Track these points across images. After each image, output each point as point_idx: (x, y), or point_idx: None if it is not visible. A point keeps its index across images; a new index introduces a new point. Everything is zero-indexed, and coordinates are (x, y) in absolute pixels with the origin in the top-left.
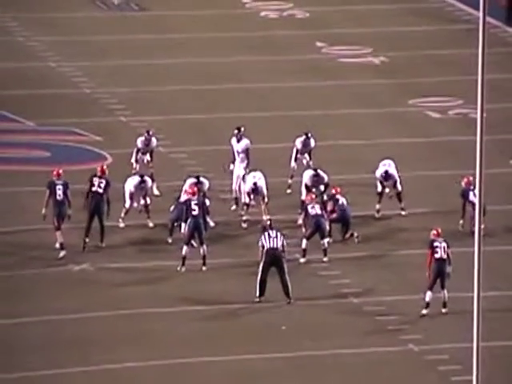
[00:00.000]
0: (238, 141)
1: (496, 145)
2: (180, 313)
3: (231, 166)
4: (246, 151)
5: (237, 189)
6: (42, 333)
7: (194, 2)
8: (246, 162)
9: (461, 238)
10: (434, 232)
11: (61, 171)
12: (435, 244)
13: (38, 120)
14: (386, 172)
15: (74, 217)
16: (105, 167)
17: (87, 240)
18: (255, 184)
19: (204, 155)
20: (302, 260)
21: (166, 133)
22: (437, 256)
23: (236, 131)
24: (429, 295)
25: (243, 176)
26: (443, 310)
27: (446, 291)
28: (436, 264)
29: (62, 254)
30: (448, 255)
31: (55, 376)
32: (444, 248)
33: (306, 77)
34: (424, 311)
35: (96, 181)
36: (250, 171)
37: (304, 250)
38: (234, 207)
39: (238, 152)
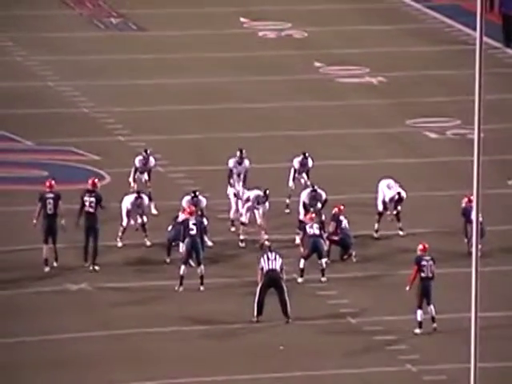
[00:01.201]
0: (240, 163)
1: (494, 165)
2: (177, 332)
3: (229, 190)
4: (245, 173)
5: (235, 208)
6: (39, 352)
7: (192, 22)
8: (242, 183)
9: (458, 258)
10: (421, 247)
11: (53, 182)
12: (422, 262)
13: (36, 139)
14: (399, 194)
15: (70, 236)
16: (96, 180)
17: (87, 263)
18: (258, 196)
19: (201, 175)
20: (300, 280)
21: (163, 152)
22: (423, 275)
23: (238, 153)
24: (420, 314)
25: (240, 194)
26: (433, 326)
27: (432, 307)
28: (422, 283)
29: (46, 269)
30: (433, 274)
31: None
32: (430, 266)
33: (304, 97)
34: (417, 330)
35: (87, 200)
36: (249, 189)
37: (302, 270)
38: (233, 229)
39: (238, 175)
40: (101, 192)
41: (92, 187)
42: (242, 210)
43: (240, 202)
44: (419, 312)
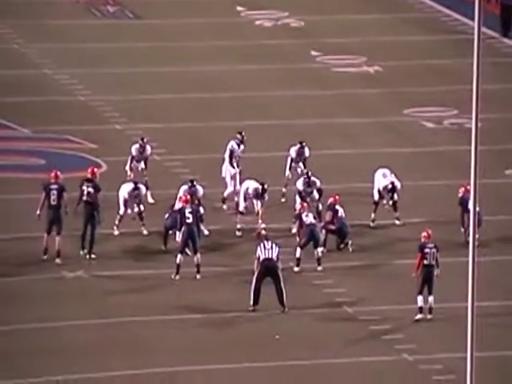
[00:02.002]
0: (239, 145)
1: (491, 155)
2: (174, 321)
3: (223, 171)
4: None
5: (232, 190)
6: (34, 340)
7: (188, 11)
8: (239, 166)
9: (455, 248)
10: (425, 234)
11: (58, 173)
12: (425, 250)
13: (33, 127)
14: (393, 183)
15: (68, 224)
16: (95, 170)
17: (84, 251)
18: (257, 189)
19: (198, 163)
20: (296, 269)
21: (160, 141)
22: (426, 262)
23: (238, 135)
24: (420, 299)
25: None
26: (428, 316)
27: (432, 297)
28: (425, 269)
29: (44, 257)
30: (436, 259)
31: (48, 383)
32: (434, 254)
33: (301, 86)
34: (418, 316)
35: (85, 189)
36: (246, 179)
37: (298, 259)
38: (224, 207)
39: (237, 156)
40: (99, 181)
41: (91, 176)
42: (240, 199)
43: (236, 184)
44: (420, 298)
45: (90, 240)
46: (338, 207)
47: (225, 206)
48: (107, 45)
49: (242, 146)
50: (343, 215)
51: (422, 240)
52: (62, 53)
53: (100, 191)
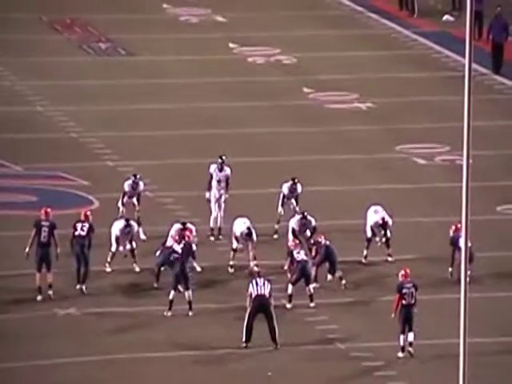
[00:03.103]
0: (220, 170)
1: (483, 192)
2: (166, 358)
3: (207, 195)
4: (227, 180)
5: (216, 215)
6: (25, 378)
7: (180, 48)
8: (225, 190)
9: (446, 285)
10: (402, 272)
11: (49, 210)
12: (404, 291)
13: (24, 164)
14: (383, 219)
15: (60, 261)
16: (88, 213)
17: (79, 286)
18: (249, 228)
19: (190, 200)
20: (289, 306)
21: (152, 177)
22: (404, 302)
23: (219, 160)
24: (402, 339)
25: (222, 200)
26: (410, 349)
27: (413, 333)
28: (404, 310)
29: (39, 298)
30: (415, 298)
31: None
32: (412, 293)
33: (293, 122)
34: (400, 354)
35: (79, 225)
36: (237, 217)
37: (290, 296)
38: (212, 238)
39: (218, 181)
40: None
41: (84, 219)
42: (233, 239)
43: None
44: (401, 337)
45: (85, 272)
46: (321, 239)
47: (212, 238)
48: (99, 82)
49: (227, 170)
50: (327, 243)
51: (400, 279)
52: (54, 90)
53: (94, 232)
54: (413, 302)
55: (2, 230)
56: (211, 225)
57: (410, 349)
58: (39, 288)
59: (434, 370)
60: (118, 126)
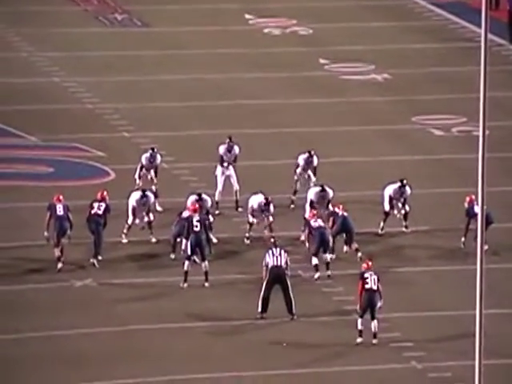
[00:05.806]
0: (230, 151)
1: (499, 163)
2: (182, 329)
3: (217, 171)
4: (235, 159)
5: (221, 189)
6: (42, 348)
7: (196, 19)
8: (234, 169)
9: (462, 256)
10: (365, 265)
11: (61, 197)
12: (365, 275)
13: (41, 135)
14: (403, 183)
15: (76, 233)
16: (105, 193)
17: (91, 260)
18: (267, 199)
19: (206, 171)
20: (317, 275)
21: (168, 149)
22: (367, 286)
23: (227, 140)
24: (360, 323)
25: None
26: (373, 341)
27: (376, 322)
28: (366, 294)
29: (59, 265)
30: (378, 288)
31: None
32: (374, 280)
33: (309, 94)
34: (358, 339)
35: (96, 205)
36: (252, 194)
37: (316, 266)
38: (217, 211)
39: (228, 162)
40: (107, 192)
41: (101, 199)
42: (248, 214)
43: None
44: (360, 321)
45: (98, 244)
46: (337, 210)
47: (217, 211)
48: (115, 53)
49: (236, 149)
50: (345, 214)
51: (362, 269)
52: (70, 61)
53: (110, 212)
54: (375, 287)
55: (18, 201)
56: (216, 198)
57: (375, 341)
58: (59, 257)
59: (450, 341)
60: (134, 97)
